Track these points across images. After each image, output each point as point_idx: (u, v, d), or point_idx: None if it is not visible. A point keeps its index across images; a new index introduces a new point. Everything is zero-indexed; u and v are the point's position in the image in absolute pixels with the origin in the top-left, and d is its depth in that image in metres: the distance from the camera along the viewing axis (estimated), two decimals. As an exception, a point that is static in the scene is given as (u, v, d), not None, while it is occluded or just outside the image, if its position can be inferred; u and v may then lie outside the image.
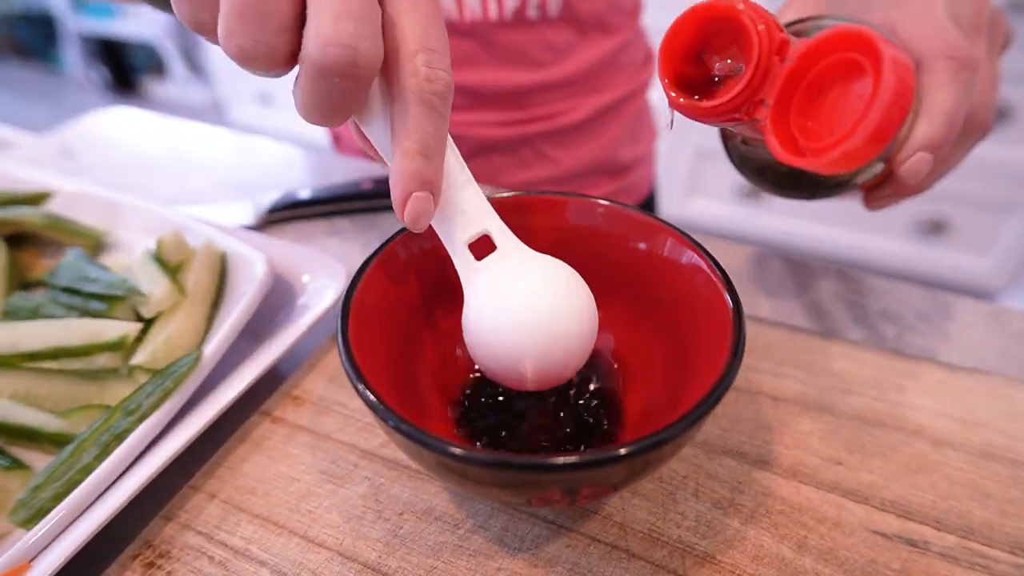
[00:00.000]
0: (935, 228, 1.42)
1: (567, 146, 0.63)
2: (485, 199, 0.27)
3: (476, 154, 0.61)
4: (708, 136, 0.74)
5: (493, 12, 0.54)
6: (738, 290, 0.26)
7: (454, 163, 0.26)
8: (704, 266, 0.27)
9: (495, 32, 0.55)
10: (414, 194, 0.23)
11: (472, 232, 0.27)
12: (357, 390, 0.22)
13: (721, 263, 0.27)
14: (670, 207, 1.68)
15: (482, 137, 0.60)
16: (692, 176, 1.63)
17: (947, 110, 0.28)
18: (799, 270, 0.44)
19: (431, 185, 0.23)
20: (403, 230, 0.29)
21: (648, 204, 0.74)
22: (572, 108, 0.61)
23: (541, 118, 0.60)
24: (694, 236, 0.28)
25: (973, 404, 0.33)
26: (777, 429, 0.32)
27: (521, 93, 0.59)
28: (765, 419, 0.32)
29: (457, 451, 0.20)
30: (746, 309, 0.40)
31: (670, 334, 0.29)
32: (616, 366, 0.31)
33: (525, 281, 0.26)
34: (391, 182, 0.23)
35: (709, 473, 0.30)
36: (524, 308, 0.25)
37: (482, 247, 0.27)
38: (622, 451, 0.19)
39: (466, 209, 0.26)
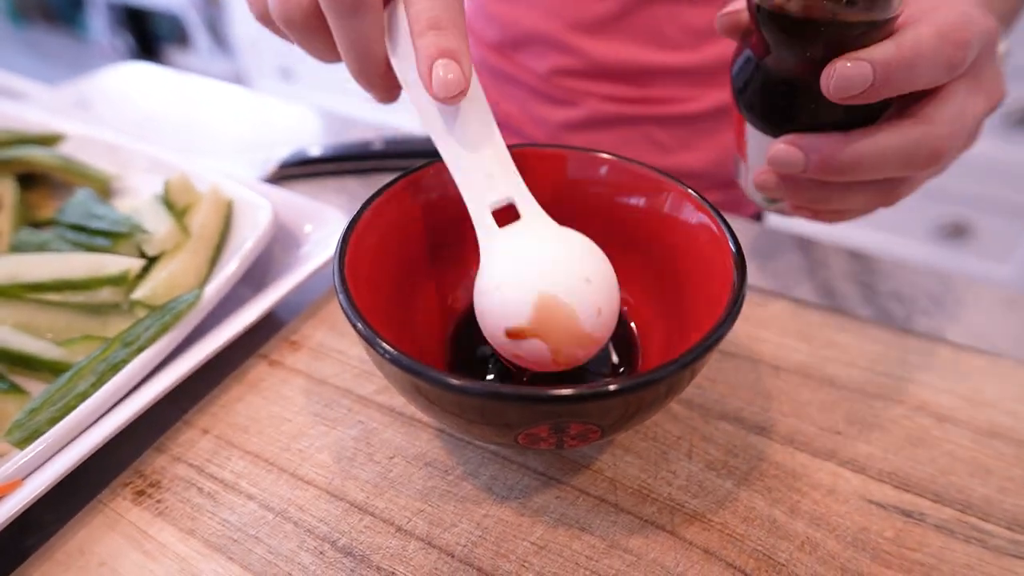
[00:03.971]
0: (957, 231, 1.40)
1: (680, 137, 0.57)
2: (513, 166, 0.26)
3: (582, 127, 0.57)
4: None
5: None
6: (747, 265, 0.25)
7: (482, 121, 0.25)
8: (708, 220, 0.26)
9: (635, 5, 0.51)
10: (436, 62, 0.23)
11: (496, 197, 0.26)
12: (349, 318, 0.22)
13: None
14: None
15: (591, 109, 0.56)
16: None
17: (911, 48, 0.24)
18: (810, 248, 0.43)
19: (452, 53, 0.23)
20: (401, 176, 0.29)
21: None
22: (694, 97, 0.55)
23: (657, 101, 0.55)
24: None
25: (981, 384, 0.32)
26: (776, 397, 0.31)
27: (643, 72, 0.54)
28: (765, 387, 0.32)
29: (449, 380, 0.20)
30: (754, 283, 0.39)
31: (672, 288, 0.28)
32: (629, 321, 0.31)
33: (546, 252, 0.24)
34: (419, 70, 0.24)
35: (704, 435, 0.29)
36: (542, 281, 0.23)
37: (505, 216, 0.26)
38: (611, 387, 0.19)
39: (492, 172, 0.25)
